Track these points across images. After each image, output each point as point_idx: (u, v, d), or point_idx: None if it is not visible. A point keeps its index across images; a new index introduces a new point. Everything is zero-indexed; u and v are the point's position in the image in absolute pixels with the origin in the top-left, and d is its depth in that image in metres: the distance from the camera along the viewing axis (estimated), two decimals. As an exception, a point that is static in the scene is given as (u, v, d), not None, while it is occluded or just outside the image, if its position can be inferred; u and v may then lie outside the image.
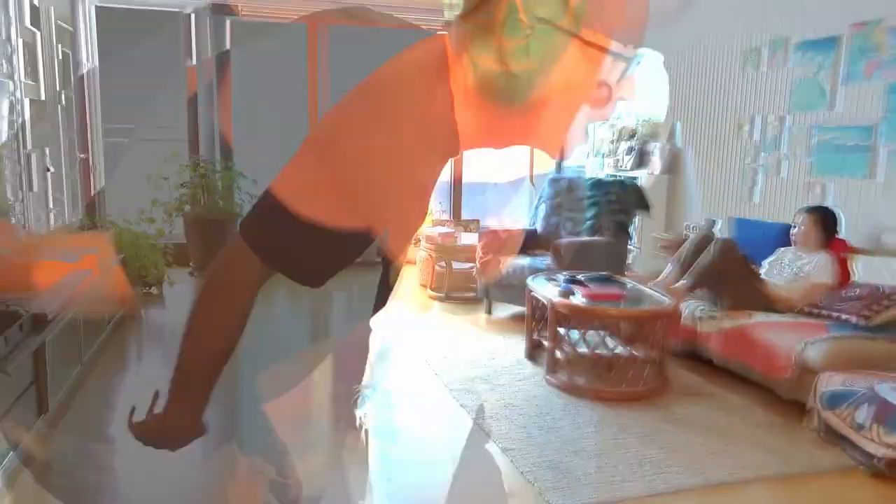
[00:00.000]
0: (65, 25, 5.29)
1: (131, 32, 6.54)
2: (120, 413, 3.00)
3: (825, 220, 3.66)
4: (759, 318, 3.37)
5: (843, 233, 3.74)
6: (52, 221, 4.78)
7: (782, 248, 3.84)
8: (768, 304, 3.51)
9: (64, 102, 5.26)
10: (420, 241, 5.66)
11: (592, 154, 6.13)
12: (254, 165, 6.54)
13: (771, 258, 3.84)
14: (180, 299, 5.13)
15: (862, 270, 3.45)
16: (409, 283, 5.76)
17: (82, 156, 5.72)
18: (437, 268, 5.30)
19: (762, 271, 3.79)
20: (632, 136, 5.70)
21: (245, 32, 6.34)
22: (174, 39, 6.12)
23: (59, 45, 5.10)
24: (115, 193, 6.44)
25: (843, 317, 3.21)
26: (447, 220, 6.58)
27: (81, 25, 5.60)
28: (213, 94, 6.13)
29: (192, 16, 6.06)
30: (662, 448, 2.70)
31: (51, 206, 4.84)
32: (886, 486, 2.44)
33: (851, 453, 2.62)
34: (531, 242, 4.93)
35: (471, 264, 5.15)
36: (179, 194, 5.84)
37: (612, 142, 5.90)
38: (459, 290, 5.22)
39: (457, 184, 7.00)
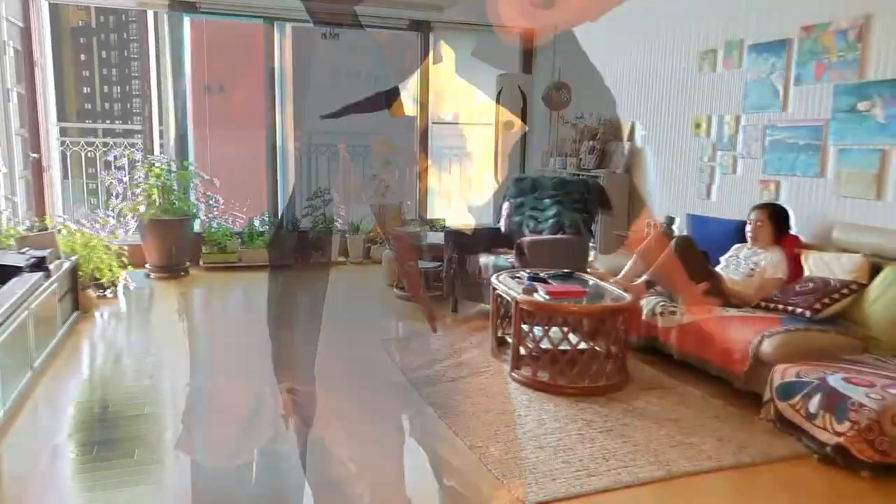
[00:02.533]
0: (15, 21, 5.13)
1: (87, 29, 6.38)
2: (73, 420, 2.92)
3: (777, 216, 3.77)
4: (717, 312, 3.46)
5: (794, 229, 3.86)
6: (2, 223, 4.63)
7: (738, 245, 3.94)
8: (725, 298, 3.60)
9: (15, 100, 5.10)
10: (387, 240, 5.64)
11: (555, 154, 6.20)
12: (211, 164, 6.44)
13: (727, 254, 3.94)
14: (136, 302, 5.01)
15: (813, 265, 3.56)
16: (377, 283, 5.74)
17: (34, 155, 5.55)
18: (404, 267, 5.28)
19: (719, 267, 3.89)
20: (594, 135, 5.78)
21: (203, 28, 6.23)
22: (131, 36, 5.97)
23: (10, 42, 4.94)
24: (69, 194, 6.27)
25: (797, 310, 3.31)
26: (413, 219, 6.58)
27: (33, 21, 5.43)
28: (169, 92, 6.00)
29: (150, 12, 5.93)
30: (626, 441, 2.74)
31: (2, 207, 4.69)
32: (836, 471, 2.53)
33: (805, 441, 2.71)
34: (495, 241, 4.96)
35: (437, 263, 5.16)
36: (134, 194, 5.71)
37: (574, 141, 5.97)
38: (425, 288, 5.22)
39: (422, 182, 7.00)
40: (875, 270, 3.32)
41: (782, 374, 2.88)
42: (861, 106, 3.64)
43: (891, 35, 3.51)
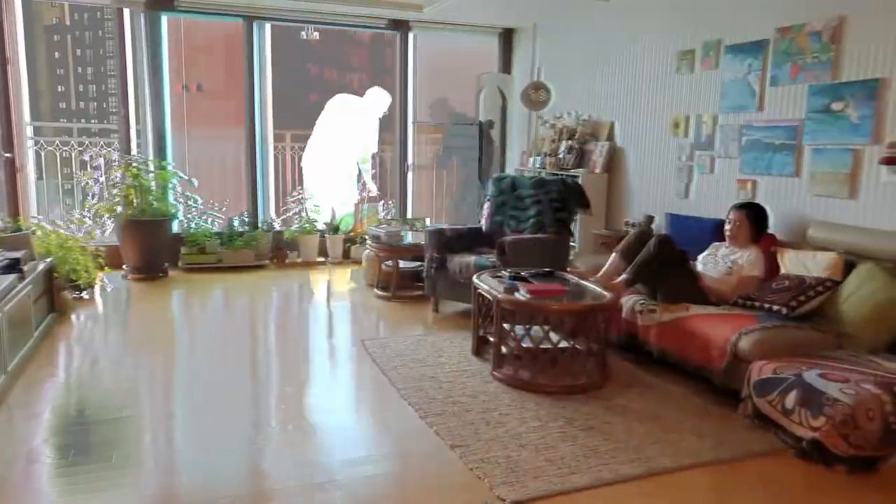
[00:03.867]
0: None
1: (60, 27, 6.29)
2: (49, 424, 2.87)
3: (755, 216, 3.82)
4: (695, 310, 3.49)
5: (771, 228, 3.92)
6: (-27, 224, 4.54)
7: (716, 243, 3.99)
8: (703, 296, 3.64)
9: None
10: (367, 240, 5.62)
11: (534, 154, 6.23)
12: (189, 165, 6.38)
13: (706, 252, 3.99)
14: (114, 304, 4.95)
15: (789, 263, 3.62)
16: (356, 284, 5.72)
17: (7, 155, 5.45)
18: (383, 267, 5.28)
19: (697, 265, 3.93)
20: (572, 135, 5.82)
21: (181, 27, 6.17)
22: (106, 34, 5.90)
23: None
24: (44, 194, 6.17)
25: (774, 308, 3.36)
26: (393, 219, 6.57)
27: (6, 19, 5.33)
28: (146, 91, 5.93)
29: (126, 10, 5.85)
30: (607, 439, 2.76)
31: (-28, 207, 4.60)
32: (811, 465, 2.58)
33: (782, 437, 2.75)
34: (477, 240, 4.97)
35: (418, 263, 5.16)
36: (111, 195, 5.64)
37: (553, 141, 6.00)
38: (406, 288, 5.22)
39: (402, 182, 6.99)
40: (849, 268, 3.38)
41: (759, 370, 2.92)
42: (835, 106, 3.71)
43: (863, 36, 3.57)
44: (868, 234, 3.47)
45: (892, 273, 3.21)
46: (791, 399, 2.71)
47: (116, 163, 5.80)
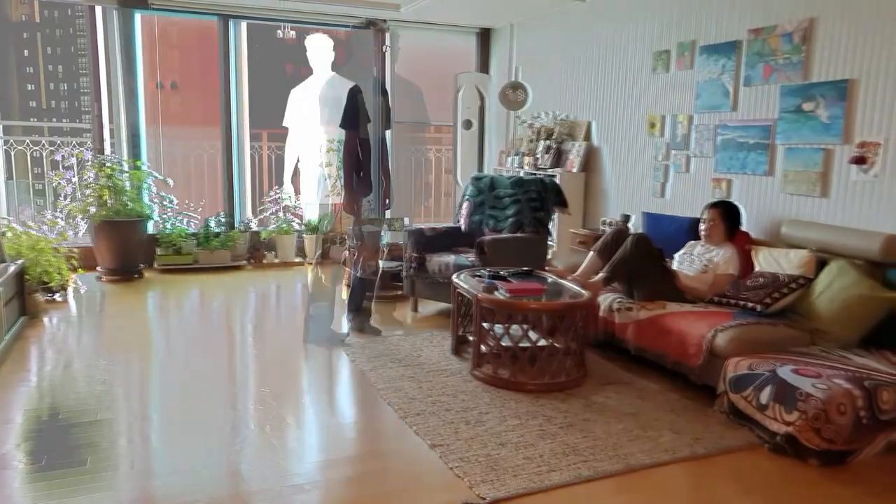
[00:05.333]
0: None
1: (30, 24, 6.16)
2: (21, 429, 2.81)
3: (729, 214, 3.88)
4: (672, 308, 3.54)
5: (745, 226, 3.98)
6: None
7: (692, 241, 4.04)
8: (680, 294, 3.69)
9: (-47, 97, 4.89)
10: (345, 239, 5.59)
11: (513, 153, 6.25)
12: (164, 164, 6.30)
13: (682, 251, 4.04)
14: (87, 305, 4.86)
15: (763, 261, 3.68)
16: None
17: (-25, 154, 5.33)
18: (361, 267, 5.25)
19: (674, 263, 3.98)
20: (549, 135, 5.85)
21: (155, 25, 6.09)
22: (78, 32, 5.80)
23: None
24: (14, 195, 6.05)
25: (748, 305, 3.41)
26: (373, 219, 6.54)
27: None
28: (120, 90, 5.84)
29: (98, 8, 5.75)
30: (586, 436, 2.79)
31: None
32: (785, 460, 2.62)
33: (757, 432, 2.80)
34: (456, 240, 4.98)
35: (397, 262, 5.15)
36: (84, 195, 5.54)
37: (531, 141, 6.03)
38: (385, 288, 5.21)
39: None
40: (821, 265, 3.45)
41: (735, 366, 2.97)
42: (806, 106, 3.77)
43: (833, 38, 3.64)
44: (839, 231, 3.54)
45: (862, 270, 3.28)
46: (766, 394, 2.76)
47: (89, 162, 5.71)
